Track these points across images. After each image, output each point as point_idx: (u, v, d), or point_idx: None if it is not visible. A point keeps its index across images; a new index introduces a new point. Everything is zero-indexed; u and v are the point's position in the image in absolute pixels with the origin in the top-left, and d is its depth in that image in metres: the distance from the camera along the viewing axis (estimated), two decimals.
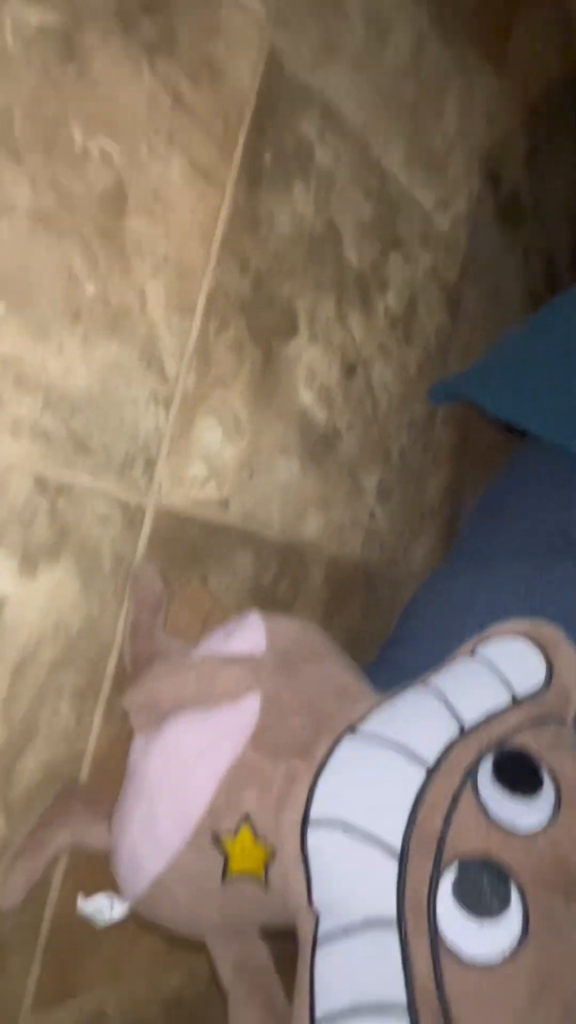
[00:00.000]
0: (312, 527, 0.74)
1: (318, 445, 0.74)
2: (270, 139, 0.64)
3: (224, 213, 0.61)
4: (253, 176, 0.63)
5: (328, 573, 0.78)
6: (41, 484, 0.50)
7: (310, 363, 0.71)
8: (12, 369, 0.48)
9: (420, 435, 0.88)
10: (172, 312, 0.58)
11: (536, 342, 0.79)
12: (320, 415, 0.73)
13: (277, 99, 0.64)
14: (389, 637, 0.74)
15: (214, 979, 0.45)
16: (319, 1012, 0.37)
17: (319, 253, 0.71)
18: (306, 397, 0.71)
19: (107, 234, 0.52)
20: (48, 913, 0.56)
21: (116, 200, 0.53)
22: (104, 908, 0.49)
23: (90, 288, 0.52)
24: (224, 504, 0.64)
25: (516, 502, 0.76)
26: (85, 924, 0.58)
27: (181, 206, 0.57)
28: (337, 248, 0.73)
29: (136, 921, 0.60)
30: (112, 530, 0.56)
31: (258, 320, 0.65)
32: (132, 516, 0.57)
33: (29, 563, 0.50)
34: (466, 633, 0.52)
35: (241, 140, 0.62)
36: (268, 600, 0.70)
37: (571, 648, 0.50)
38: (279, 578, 0.71)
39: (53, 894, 0.56)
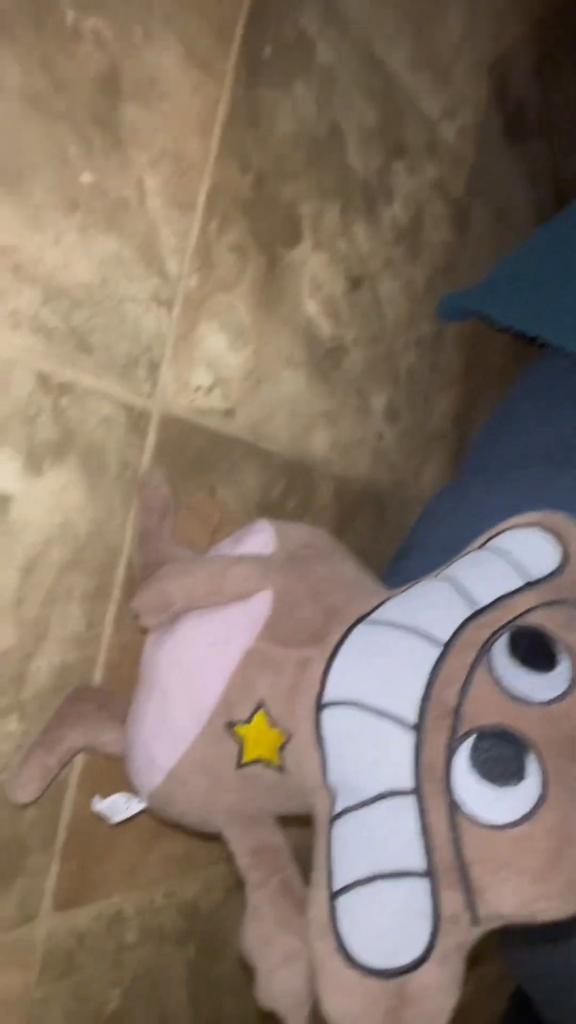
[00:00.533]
0: (320, 443, 0.73)
1: (324, 359, 0.72)
2: (270, 31, 0.62)
3: (223, 106, 0.59)
4: (252, 70, 0.61)
5: (336, 491, 0.77)
6: (43, 381, 0.49)
7: (315, 273, 0.69)
8: (9, 258, 0.47)
9: (428, 354, 0.87)
10: (171, 208, 0.56)
11: (546, 251, 0.77)
12: (326, 327, 0.72)
13: None
14: (398, 551, 0.74)
15: (233, 866, 0.45)
16: (337, 883, 0.37)
17: (322, 157, 0.68)
18: (311, 308, 0.70)
19: (102, 121, 0.51)
20: (65, 815, 0.56)
21: (110, 85, 0.51)
22: (119, 805, 0.49)
23: (86, 177, 0.50)
24: (230, 413, 0.63)
25: (526, 415, 0.75)
26: (101, 829, 0.59)
27: (178, 96, 0.55)
28: (340, 152, 0.70)
29: (152, 819, 0.61)
30: (117, 433, 0.55)
31: (261, 223, 0.63)
32: (136, 420, 0.56)
33: (34, 462, 0.50)
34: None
35: (239, 30, 0.59)
36: (276, 515, 0.69)
37: None
38: (287, 493, 0.71)
39: (69, 797, 0.56)
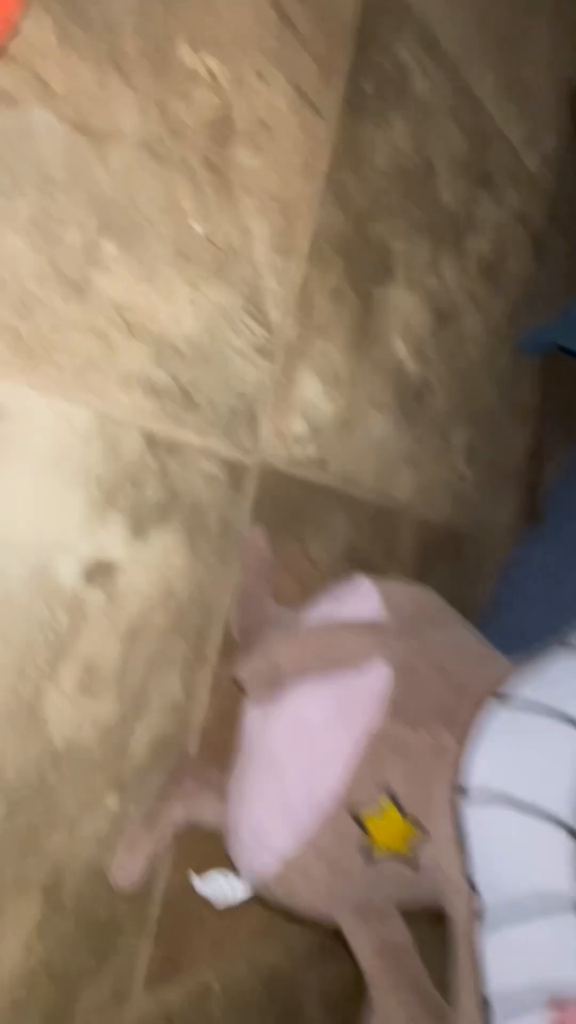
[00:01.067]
0: (404, 487, 0.71)
1: (411, 400, 0.69)
2: (372, 64, 0.59)
3: (328, 145, 0.56)
4: (355, 105, 0.58)
5: (418, 534, 0.74)
6: (151, 442, 0.47)
7: (405, 312, 0.66)
8: (123, 316, 0.44)
9: (507, 391, 0.84)
10: (276, 254, 0.53)
11: None
12: (413, 368, 0.69)
13: (378, 19, 0.59)
14: (492, 601, 0.71)
15: (352, 960, 0.42)
16: (494, 989, 0.34)
17: (415, 191, 0.66)
18: (401, 349, 0.67)
19: (213, 166, 0.48)
20: (157, 894, 0.53)
21: (223, 128, 0.48)
22: (223, 887, 0.46)
23: (197, 227, 0.47)
24: (323, 463, 0.61)
25: None
26: (191, 904, 0.56)
27: (286, 136, 0.52)
28: (432, 185, 0.68)
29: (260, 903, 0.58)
30: (219, 491, 0.52)
31: (356, 264, 0.60)
32: (238, 476, 0.53)
33: (140, 526, 0.47)
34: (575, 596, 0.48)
35: (345, 67, 0.56)
36: (361, 562, 0.66)
37: None
38: (374, 541, 0.68)
39: (163, 875, 0.53)
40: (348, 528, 0.65)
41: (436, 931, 0.42)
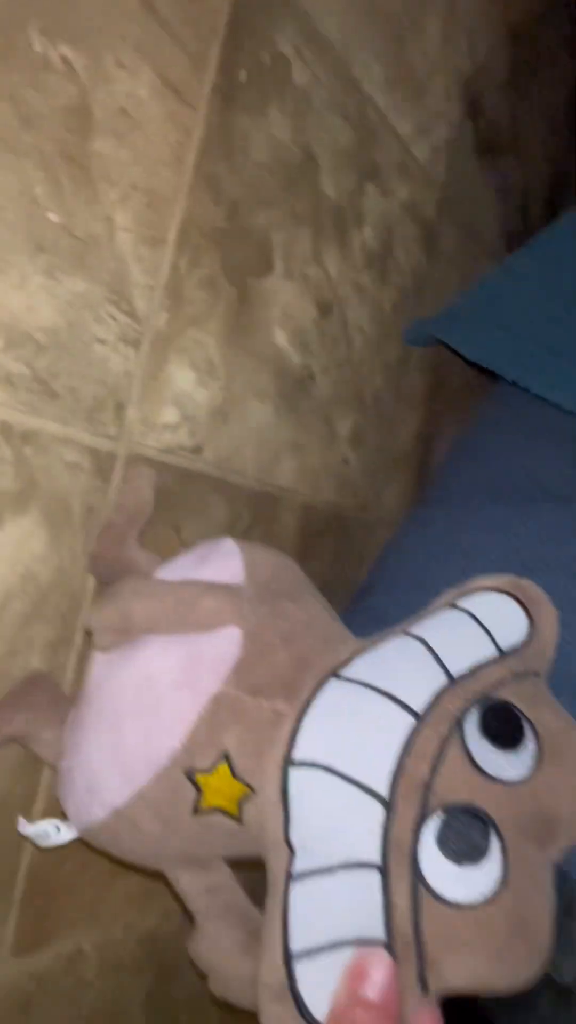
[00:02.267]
0: (286, 473, 0.73)
1: (293, 389, 0.71)
2: (245, 54, 0.59)
3: (196, 136, 0.56)
4: (228, 95, 0.58)
5: (301, 518, 0.76)
6: (6, 432, 0.47)
7: (286, 302, 0.68)
8: None
9: (394, 379, 0.86)
10: (142, 244, 0.54)
11: (511, 285, 0.77)
12: (295, 358, 0.71)
13: (254, 7, 0.59)
14: (363, 584, 0.74)
15: (183, 908, 0.46)
16: (296, 946, 0.37)
17: (296, 182, 0.67)
18: (281, 338, 0.68)
19: (71, 156, 0.48)
20: (24, 864, 0.55)
21: (80, 118, 0.48)
22: (48, 830, 0.48)
23: (53, 216, 0.48)
24: (197, 450, 0.62)
25: (488, 448, 0.75)
26: (62, 872, 0.58)
27: (151, 126, 0.53)
28: (313, 177, 0.69)
29: (111, 858, 0.61)
30: (82, 479, 0.53)
31: (232, 255, 0.61)
32: (102, 464, 0.54)
33: None
34: (443, 582, 0.51)
35: (215, 55, 0.57)
36: None
37: (552, 606, 0.50)
38: (252, 525, 0.70)
39: (28, 846, 0.55)
40: (227, 514, 0.67)
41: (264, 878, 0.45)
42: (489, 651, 0.46)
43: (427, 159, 0.85)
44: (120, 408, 0.55)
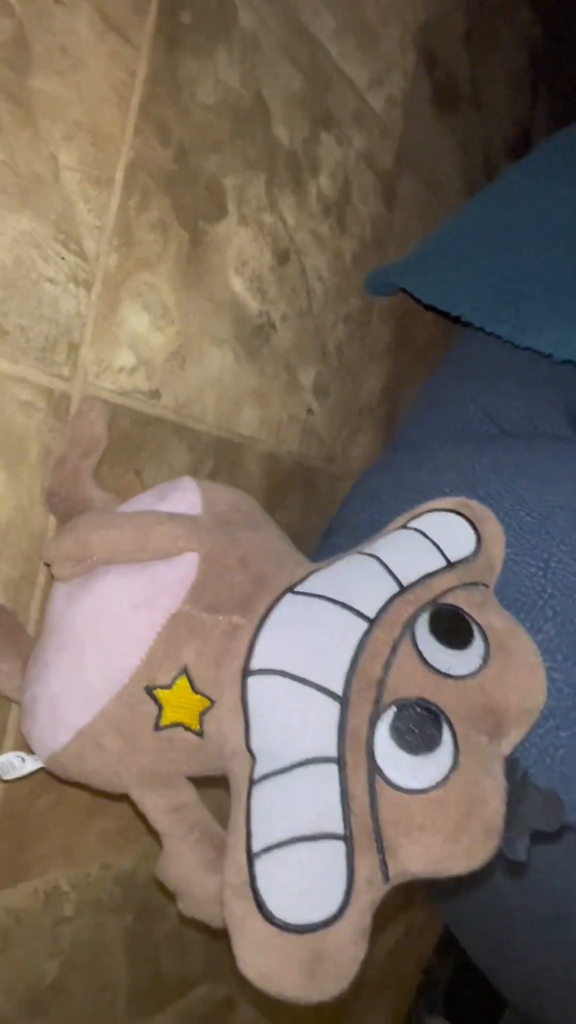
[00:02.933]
0: (249, 421, 0.74)
1: (252, 336, 0.72)
2: None
3: (141, 76, 0.57)
4: (171, 37, 0.59)
5: (266, 468, 0.77)
6: None
7: (240, 247, 0.69)
8: None
9: (357, 329, 0.87)
10: (88, 184, 0.54)
11: (469, 229, 0.78)
12: (253, 304, 0.71)
13: None
14: (328, 527, 0.75)
15: (148, 828, 0.47)
16: (256, 845, 0.39)
17: (246, 127, 0.67)
18: (237, 284, 0.69)
19: (10, 93, 0.48)
20: None
21: (19, 52, 0.48)
22: (14, 763, 0.49)
23: None
24: (155, 394, 0.63)
25: (451, 392, 0.76)
26: (34, 810, 0.60)
27: (93, 66, 0.53)
28: (265, 123, 0.69)
29: (85, 797, 0.62)
30: (37, 418, 0.54)
31: (183, 198, 0.62)
32: (57, 404, 0.55)
33: None
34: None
35: None
36: None
37: (497, 523, 0.52)
38: (215, 472, 0.71)
39: None
40: (189, 460, 0.68)
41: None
42: (439, 563, 0.47)
43: (383, 109, 0.85)
44: (73, 348, 0.55)
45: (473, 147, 1.03)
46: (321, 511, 0.86)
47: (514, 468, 0.60)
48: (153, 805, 0.47)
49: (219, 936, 0.42)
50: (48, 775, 0.59)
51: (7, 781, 0.52)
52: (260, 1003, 0.94)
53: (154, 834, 0.48)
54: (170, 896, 0.46)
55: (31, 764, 0.50)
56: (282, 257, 0.74)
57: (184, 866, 0.46)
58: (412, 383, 0.98)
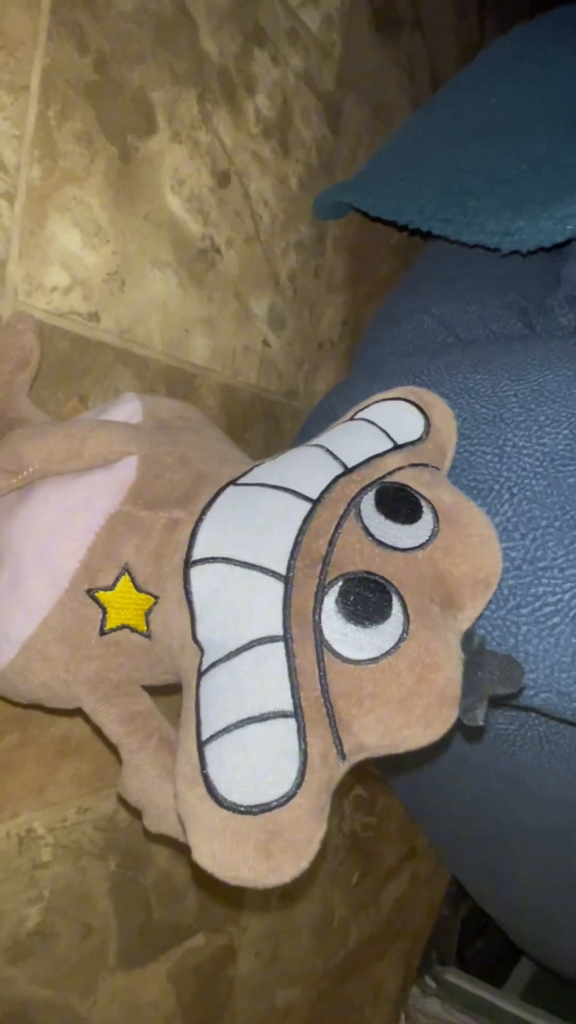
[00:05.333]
0: (200, 350, 0.72)
1: (196, 260, 0.70)
2: None
3: None
4: None
5: (223, 401, 0.75)
6: None
7: (175, 166, 0.66)
8: None
9: (310, 258, 0.85)
10: (2, 91, 0.52)
11: (414, 138, 0.76)
12: (194, 227, 0.69)
13: None
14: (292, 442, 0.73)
15: (104, 740, 0.45)
16: (206, 732, 0.37)
17: (171, 39, 0.65)
18: (175, 204, 0.67)
19: None
20: None
21: None
22: None
23: None
24: (94, 317, 0.61)
25: (405, 307, 0.74)
26: (0, 751, 0.58)
27: None
28: (192, 35, 0.67)
29: (55, 739, 0.60)
30: None
31: (107, 110, 0.60)
32: None
33: None
34: None
35: None
36: None
37: (446, 406, 0.50)
38: None
39: None
40: (136, 387, 0.66)
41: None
42: (385, 446, 0.46)
43: (319, 29, 0.83)
44: (0, 265, 0.53)
45: (419, 70, 1.01)
46: (285, 446, 0.84)
47: (468, 366, 0.58)
48: (107, 715, 0.45)
49: (206, 880, 0.40)
50: (8, 714, 0.57)
51: None
52: (263, 951, 0.93)
53: (114, 749, 0.46)
54: (153, 845, 0.45)
55: None
56: (222, 179, 0.71)
57: (142, 776, 0.44)
58: (371, 317, 0.96)
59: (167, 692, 0.47)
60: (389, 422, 0.48)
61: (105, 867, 0.69)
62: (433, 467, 0.46)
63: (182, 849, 0.43)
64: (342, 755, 0.37)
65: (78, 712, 0.47)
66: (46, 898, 0.64)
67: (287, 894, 0.96)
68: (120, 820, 0.70)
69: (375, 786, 1.12)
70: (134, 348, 0.64)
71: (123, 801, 0.46)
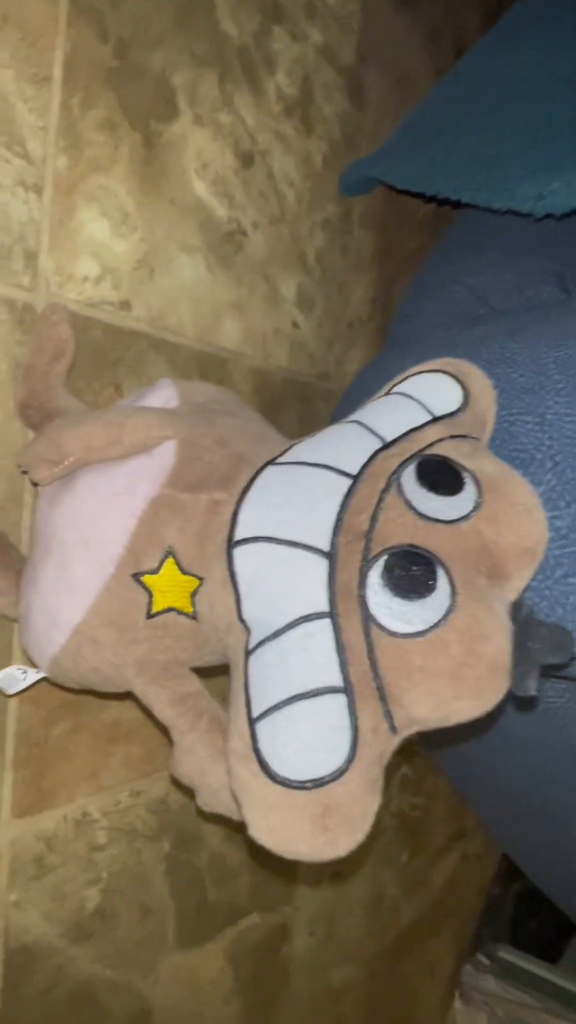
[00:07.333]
0: (231, 334, 0.71)
1: (223, 244, 0.69)
2: None
3: None
4: None
5: (256, 384, 0.75)
6: None
7: (199, 149, 0.66)
8: None
9: (337, 237, 0.84)
10: (25, 83, 0.52)
11: (439, 107, 0.74)
12: (220, 210, 0.69)
13: None
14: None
15: (155, 723, 0.46)
16: (256, 710, 0.37)
17: (190, 20, 0.64)
18: (200, 188, 0.67)
19: None
20: (11, 727, 0.56)
21: None
22: (15, 675, 0.49)
23: None
24: (125, 305, 0.61)
25: (436, 279, 0.73)
26: (52, 736, 0.59)
27: None
28: (210, 16, 0.66)
29: (107, 724, 0.61)
30: (2, 332, 0.52)
31: (129, 96, 0.59)
32: (21, 316, 0.53)
33: None
34: None
35: None
36: None
37: (485, 377, 0.49)
38: None
39: (12, 708, 0.56)
40: (170, 375, 0.66)
41: None
42: (424, 419, 0.45)
43: (337, 2, 0.81)
44: (31, 257, 0.54)
45: (441, 38, 0.99)
46: (320, 428, 0.84)
47: (504, 336, 0.57)
48: (156, 697, 0.46)
49: (260, 859, 0.41)
50: (61, 702, 0.58)
51: (10, 695, 0.51)
52: (317, 930, 0.94)
53: (164, 733, 0.47)
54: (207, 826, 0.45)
55: (33, 676, 0.49)
56: (246, 160, 0.71)
57: (194, 757, 0.45)
58: (402, 293, 0.95)
59: (215, 674, 0.47)
60: (426, 395, 0.47)
61: (159, 849, 0.70)
62: (473, 438, 0.46)
63: (236, 827, 0.44)
64: (393, 729, 0.37)
65: (128, 697, 0.47)
66: (104, 880, 0.65)
67: (339, 874, 0.97)
68: (172, 802, 0.71)
69: (422, 766, 1.12)
70: (166, 335, 0.65)
71: (176, 782, 0.47)
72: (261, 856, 0.37)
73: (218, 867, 0.77)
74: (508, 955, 1.41)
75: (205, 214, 0.67)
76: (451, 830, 1.25)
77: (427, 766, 1.13)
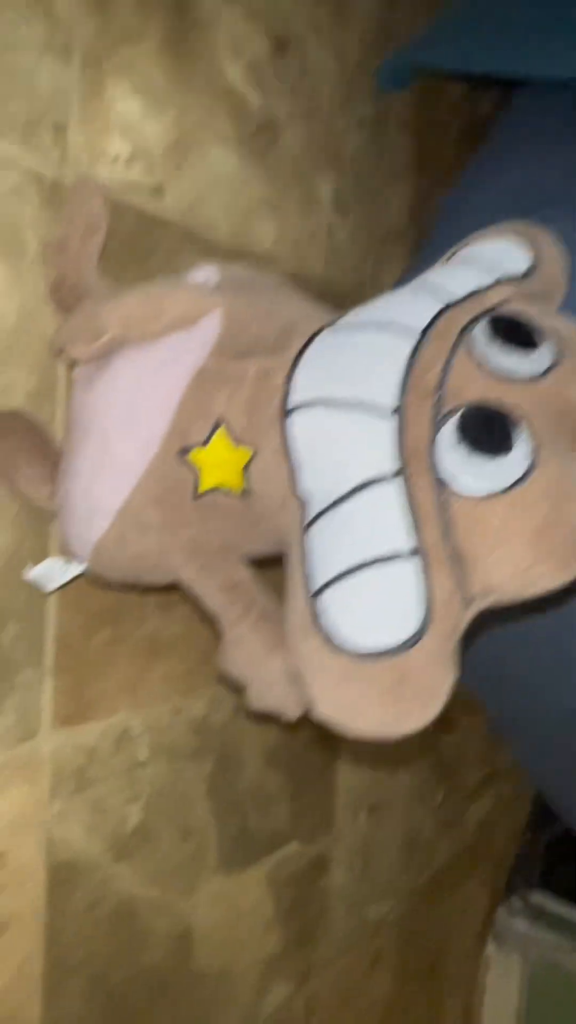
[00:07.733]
0: (265, 234, 0.68)
1: (257, 135, 0.65)
2: None
3: None
4: None
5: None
6: None
7: (232, 29, 0.62)
8: None
9: (374, 138, 0.79)
10: None
11: None
12: (253, 98, 0.64)
13: None
14: None
15: (202, 616, 0.43)
16: (318, 583, 0.34)
17: None
18: (233, 74, 0.62)
19: None
20: (50, 629, 0.54)
21: None
22: (55, 567, 0.46)
23: None
24: (158, 191, 0.57)
25: (489, 169, 0.69)
26: (92, 644, 0.57)
27: None
28: None
29: (148, 638, 0.59)
30: (29, 207, 0.49)
31: None
32: (50, 194, 0.50)
33: None
34: None
35: None
36: None
37: (554, 240, 0.45)
38: None
39: (51, 610, 0.54)
40: None
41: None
42: (492, 279, 0.41)
43: None
44: (60, 129, 0.50)
45: None
46: None
47: (563, 217, 0.53)
48: (205, 585, 0.43)
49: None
50: (100, 608, 0.56)
51: (49, 592, 0.49)
52: (354, 865, 0.93)
53: (204, 649, 0.44)
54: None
55: (74, 568, 0.47)
56: (280, 45, 0.66)
57: (245, 648, 0.42)
58: (436, 199, 0.90)
59: (265, 566, 0.44)
60: (493, 258, 0.43)
61: (201, 769, 0.68)
62: (543, 302, 0.42)
63: (289, 727, 0.41)
64: (468, 600, 0.34)
65: (169, 609, 0.45)
66: (145, 797, 0.63)
67: (374, 807, 0.95)
68: (213, 722, 0.69)
69: (457, 706, 1.10)
70: (199, 230, 0.61)
71: (223, 680, 0.44)
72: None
73: (260, 793, 0.75)
74: (541, 899, 1.41)
75: (238, 101, 0.63)
76: (484, 771, 1.23)
77: (462, 707, 1.10)
